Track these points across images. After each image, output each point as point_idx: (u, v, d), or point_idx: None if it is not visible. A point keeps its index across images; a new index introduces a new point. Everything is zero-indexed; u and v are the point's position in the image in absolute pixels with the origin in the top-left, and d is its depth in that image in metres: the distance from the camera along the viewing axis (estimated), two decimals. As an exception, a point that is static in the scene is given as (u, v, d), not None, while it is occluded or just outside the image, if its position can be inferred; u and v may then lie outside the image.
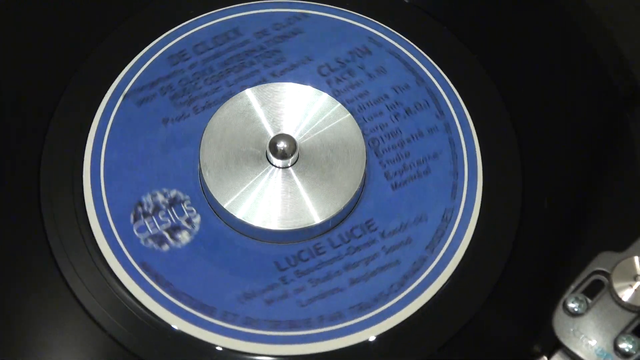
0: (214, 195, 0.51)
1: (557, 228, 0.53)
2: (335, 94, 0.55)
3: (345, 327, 0.50)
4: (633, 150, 0.53)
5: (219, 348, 0.49)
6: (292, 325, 0.50)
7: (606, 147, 0.55)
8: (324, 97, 0.54)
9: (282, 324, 0.50)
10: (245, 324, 0.50)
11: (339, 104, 0.54)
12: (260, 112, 0.53)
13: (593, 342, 0.46)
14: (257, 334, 0.50)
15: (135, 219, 0.52)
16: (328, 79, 0.56)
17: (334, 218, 0.51)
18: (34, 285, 0.50)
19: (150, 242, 0.51)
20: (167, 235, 0.52)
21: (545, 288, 0.51)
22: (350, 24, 0.57)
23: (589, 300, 0.47)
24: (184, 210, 0.52)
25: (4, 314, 0.50)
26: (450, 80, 0.56)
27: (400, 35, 0.57)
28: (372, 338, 0.50)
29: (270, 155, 0.52)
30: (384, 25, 0.57)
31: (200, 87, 0.55)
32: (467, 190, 0.53)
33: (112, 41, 0.56)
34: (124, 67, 0.56)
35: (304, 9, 0.58)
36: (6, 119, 0.55)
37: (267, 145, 0.52)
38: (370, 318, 0.50)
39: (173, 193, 0.53)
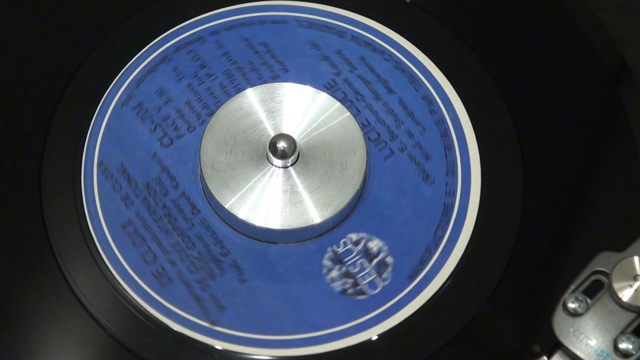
0: (215, 195, 0.51)
1: (557, 228, 0.53)
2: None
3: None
4: (633, 150, 0.53)
5: (218, 347, 0.49)
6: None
7: (606, 147, 0.55)
8: (324, 97, 0.54)
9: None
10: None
11: (339, 103, 0.54)
12: (260, 112, 0.53)
13: (593, 342, 0.46)
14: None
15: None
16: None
17: (334, 218, 0.51)
18: (35, 284, 0.50)
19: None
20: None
21: (545, 288, 0.51)
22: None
23: (589, 300, 0.47)
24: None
25: (4, 313, 0.50)
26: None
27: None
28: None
29: (271, 155, 0.52)
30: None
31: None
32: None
33: (106, 47, 0.57)
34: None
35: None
36: (6, 119, 0.55)
37: (267, 145, 0.52)
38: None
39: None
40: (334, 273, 0.51)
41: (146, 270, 0.51)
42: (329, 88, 0.55)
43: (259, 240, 0.52)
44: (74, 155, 0.53)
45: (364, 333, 0.50)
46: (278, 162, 0.52)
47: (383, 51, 0.56)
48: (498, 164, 0.54)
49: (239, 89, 0.55)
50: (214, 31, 0.57)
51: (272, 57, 0.56)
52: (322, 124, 0.53)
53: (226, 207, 0.51)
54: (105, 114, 0.54)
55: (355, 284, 0.51)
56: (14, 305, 0.50)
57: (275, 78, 0.55)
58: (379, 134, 0.54)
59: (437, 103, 0.55)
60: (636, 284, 0.47)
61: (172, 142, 0.54)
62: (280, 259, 0.51)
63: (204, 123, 0.54)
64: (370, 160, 0.53)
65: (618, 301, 0.47)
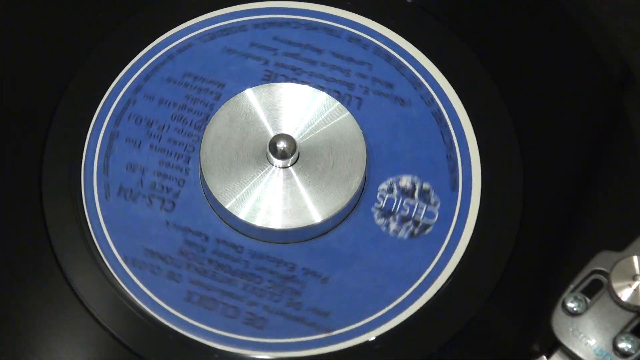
0: (215, 196, 0.51)
1: (556, 228, 0.53)
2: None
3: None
4: (633, 150, 0.53)
5: (219, 348, 0.50)
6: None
7: (606, 147, 0.55)
8: (323, 96, 0.54)
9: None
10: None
11: (338, 103, 0.54)
12: (260, 112, 0.53)
13: (592, 342, 0.46)
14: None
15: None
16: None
17: (335, 217, 0.52)
18: (35, 284, 0.51)
19: None
20: None
21: (545, 288, 0.51)
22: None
23: (588, 300, 0.47)
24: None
25: (5, 313, 0.50)
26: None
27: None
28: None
29: (271, 155, 0.52)
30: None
31: None
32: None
33: (108, 46, 0.57)
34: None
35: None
36: (7, 119, 0.55)
37: (267, 145, 0.52)
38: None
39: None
40: (393, 225, 0.52)
41: (237, 322, 0.50)
42: (268, 78, 0.55)
43: (259, 240, 0.52)
44: (74, 154, 0.54)
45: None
46: (278, 162, 0.52)
47: (289, 23, 0.57)
48: (498, 163, 0.54)
49: (197, 125, 0.54)
50: (137, 88, 0.56)
51: (202, 81, 0.56)
52: (321, 124, 0.53)
53: (226, 207, 0.51)
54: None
55: (416, 223, 0.52)
56: (15, 304, 0.50)
57: (218, 97, 0.55)
58: (338, 92, 0.55)
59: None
60: (635, 284, 0.47)
61: (174, 205, 0.53)
62: (341, 243, 0.51)
63: (189, 171, 0.53)
64: (351, 116, 0.54)
65: (617, 301, 0.47)
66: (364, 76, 0.56)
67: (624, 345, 0.46)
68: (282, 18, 0.57)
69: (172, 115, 0.55)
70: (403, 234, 0.52)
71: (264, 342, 0.50)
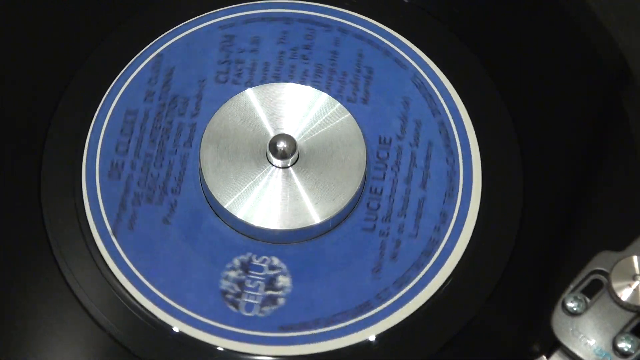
0: (214, 195, 0.51)
1: (556, 228, 0.53)
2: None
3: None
4: (632, 149, 0.53)
5: (220, 349, 0.49)
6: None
7: (605, 146, 0.55)
8: (324, 97, 0.54)
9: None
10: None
11: (339, 104, 0.54)
12: (260, 112, 0.53)
13: (592, 342, 0.46)
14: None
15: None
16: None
17: (334, 218, 0.51)
18: (34, 284, 0.51)
19: None
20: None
21: (545, 288, 0.51)
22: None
23: (588, 300, 0.47)
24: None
25: (4, 313, 0.50)
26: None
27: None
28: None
29: (270, 155, 0.52)
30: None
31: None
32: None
33: (104, 49, 0.57)
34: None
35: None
36: (7, 118, 0.55)
37: (267, 145, 0.52)
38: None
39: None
40: (232, 273, 0.51)
41: (109, 156, 0.53)
42: (381, 143, 0.54)
43: (259, 240, 0.52)
44: (74, 154, 0.54)
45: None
46: (278, 162, 0.52)
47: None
48: (498, 163, 0.54)
49: (315, 85, 0.55)
50: (343, 29, 0.57)
51: (366, 84, 0.56)
52: (322, 125, 0.53)
53: (225, 207, 0.51)
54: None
55: (238, 295, 0.51)
56: (14, 304, 0.50)
57: (351, 101, 0.55)
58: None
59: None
60: (635, 284, 0.47)
61: (226, 81, 0.55)
62: (210, 231, 0.52)
63: (263, 82, 0.55)
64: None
65: (617, 301, 0.47)
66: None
67: (623, 345, 0.46)
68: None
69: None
70: (224, 283, 0.51)
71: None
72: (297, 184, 0.52)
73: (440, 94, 0.55)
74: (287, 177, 0.52)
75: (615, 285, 0.47)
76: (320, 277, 0.51)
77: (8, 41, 0.57)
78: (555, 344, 0.47)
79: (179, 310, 0.50)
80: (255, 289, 0.51)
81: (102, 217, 0.52)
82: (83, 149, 0.54)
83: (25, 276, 0.51)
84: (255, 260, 0.51)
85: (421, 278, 0.51)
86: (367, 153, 0.53)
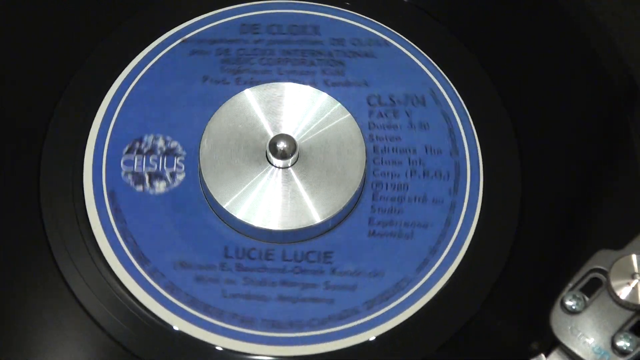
0: (214, 195, 0.51)
1: (555, 226, 0.53)
2: (370, 126, 0.54)
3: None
4: (632, 149, 0.53)
5: (219, 348, 0.49)
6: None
7: (605, 146, 0.55)
8: (324, 97, 0.54)
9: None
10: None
11: (339, 104, 0.54)
12: (260, 112, 0.53)
13: (591, 340, 0.46)
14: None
15: (128, 151, 0.53)
16: (371, 110, 0.55)
17: (334, 218, 0.51)
18: (34, 284, 0.51)
19: (130, 177, 0.53)
20: (147, 178, 0.53)
21: (544, 286, 0.51)
22: (422, 69, 0.56)
23: (587, 298, 0.47)
24: (174, 163, 0.53)
25: (4, 313, 0.50)
26: (450, 81, 0.56)
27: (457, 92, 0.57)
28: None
29: (270, 155, 0.52)
30: (449, 81, 0.56)
31: (254, 63, 0.56)
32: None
33: (115, 39, 0.57)
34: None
35: (387, 36, 0.57)
36: (7, 118, 0.55)
37: (267, 145, 0.52)
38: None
39: (174, 144, 0.53)
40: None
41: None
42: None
43: (259, 240, 0.52)
44: (74, 152, 0.54)
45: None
46: (278, 162, 0.52)
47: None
48: (497, 163, 0.54)
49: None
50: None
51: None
52: (322, 125, 0.53)
53: (225, 207, 0.51)
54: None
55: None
56: (14, 305, 0.50)
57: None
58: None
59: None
60: (634, 282, 0.47)
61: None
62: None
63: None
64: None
65: (616, 299, 0.47)
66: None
67: (622, 343, 0.46)
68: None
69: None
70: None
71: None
72: (297, 184, 0.52)
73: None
74: (287, 177, 0.52)
75: (614, 283, 0.47)
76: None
77: (8, 41, 0.57)
78: (554, 343, 0.47)
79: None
80: (146, 164, 0.53)
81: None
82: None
83: (25, 276, 0.51)
84: (178, 159, 0.53)
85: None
86: (366, 152, 0.53)
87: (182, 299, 0.50)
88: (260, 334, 0.50)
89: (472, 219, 0.52)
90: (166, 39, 0.56)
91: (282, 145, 0.52)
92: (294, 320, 0.50)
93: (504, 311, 0.50)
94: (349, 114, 0.53)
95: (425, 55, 0.56)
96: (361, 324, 0.50)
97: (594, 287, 0.47)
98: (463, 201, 0.53)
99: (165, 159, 0.53)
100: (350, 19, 0.57)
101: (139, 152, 0.53)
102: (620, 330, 0.46)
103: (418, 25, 0.57)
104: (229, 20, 0.57)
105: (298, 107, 0.54)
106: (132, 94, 0.55)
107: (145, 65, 0.56)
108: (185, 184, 0.53)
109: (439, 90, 0.55)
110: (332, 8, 0.58)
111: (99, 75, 0.56)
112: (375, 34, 0.57)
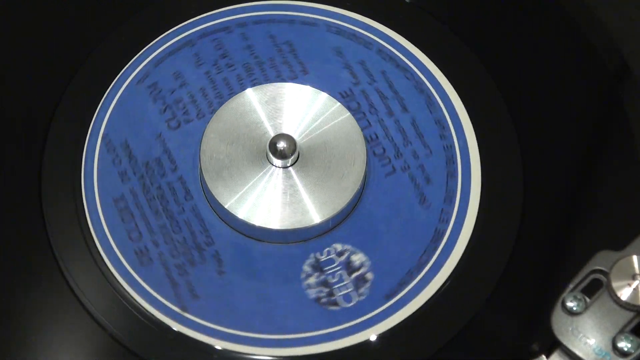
0: (214, 195, 0.51)
1: (556, 227, 0.53)
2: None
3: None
4: (632, 149, 0.53)
5: (217, 347, 0.49)
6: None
7: (605, 146, 0.55)
8: (324, 97, 0.54)
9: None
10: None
11: (339, 104, 0.54)
12: (260, 112, 0.53)
13: (591, 341, 0.46)
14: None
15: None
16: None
17: (334, 218, 0.51)
18: (35, 284, 0.51)
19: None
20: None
21: (545, 287, 0.51)
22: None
23: (588, 299, 0.47)
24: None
25: (5, 313, 0.50)
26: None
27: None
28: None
29: (270, 155, 0.52)
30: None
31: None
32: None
33: (104, 50, 0.57)
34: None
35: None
36: (7, 118, 0.55)
37: (267, 145, 0.52)
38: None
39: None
40: (312, 280, 0.51)
41: (129, 247, 0.51)
42: (345, 97, 0.55)
43: (260, 241, 0.52)
44: (74, 155, 0.54)
45: (362, 333, 0.50)
46: (278, 162, 0.52)
47: (405, 69, 0.56)
48: (497, 163, 0.54)
49: (255, 84, 0.55)
50: (241, 23, 0.57)
51: (295, 57, 0.56)
52: (322, 124, 0.53)
53: (226, 207, 0.51)
54: (120, 89, 0.55)
55: (331, 294, 0.51)
56: (15, 305, 0.50)
57: (293, 79, 0.55)
58: (384, 150, 0.54)
59: (449, 128, 0.55)
60: (635, 283, 0.47)
61: (179, 125, 0.54)
62: (262, 257, 0.51)
63: (214, 112, 0.54)
64: (370, 173, 0.53)
65: (617, 300, 0.47)
66: (416, 156, 0.54)
67: (623, 344, 0.46)
68: (403, 61, 0.56)
69: (246, 64, 0.56)
70: (312, 292, 0.51)
71: (134, 277, 0.51)
72: (297, 184, 0.52)
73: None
74: (287, 177, 0.52)
75: (614, 284, 0.47)
76: (385, 234, 0.52)
77: (8, 41, 0.57)
78: (554, 344, 0.47)
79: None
80: (341, 280, 0.51)
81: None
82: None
83: (26, 276, 0.51)
84: (321, 257, 0.51)
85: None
86: (367, 152, 0.53)
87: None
88: (373, 314, 0.50)
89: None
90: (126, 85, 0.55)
91: (282, 145, 0.52)
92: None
93: (504, 312, 0.50)
94: (349, 114, 0.53)
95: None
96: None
97: (595, 288, 0.47)
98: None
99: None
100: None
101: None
102: (621, 331, 0.46)
103: (418, 25, 0.57)
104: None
105: (298, 107, 0.53)
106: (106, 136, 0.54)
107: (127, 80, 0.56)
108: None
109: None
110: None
111: (99, 75, 0.56)
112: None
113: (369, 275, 0.51)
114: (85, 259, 0.51)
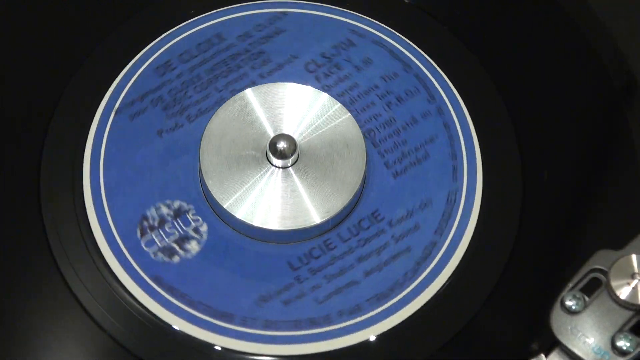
0: (214, 195, 0.51)
1: (555, 226, 0.53)
2: (325, 89, 0.55)
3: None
4: (631, 148, 0.53)
5: (217, 348, 0.49)
6: (313, 323, 0.50)
7: (605, 145, 0.55)
8: (324, 97, 0.54)
9: (302, 323, 0.50)
10: (265, 327, 0.50)
11: (339, 104, 0.54)
12: (260, 112, 0.53)
13: (590, 340, 0.46)
14: (276, 336, 0.50)
15: (142, 234, 0.52)
16: (316, 75, 0.56)
17: (334, 218, 0.51)
18: (35, 286, 0.51)
19: (160, 255, 0.51)
20: (176, 246, 0.52)
21: (544, 287, 0.51)
22: (330, 18, 0.57)
23: (587, 298, 0.47)
24: (190, 219, 0.52)
25: (5, 314, 0.50)
26: (443, 70, 0.56)
27: (383, 25, 0.57)
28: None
29: (270, 155, 0.52)
30: (365, 16, 0.57)
31: (190, 95, 0.55)
32: (468, 172, 0.53)
33: (98, 57, 0.56)
34: (112, 82, 0.55)
35: (283, 7, 0.58)
36: (7, 118, 0.55)
37: (267, 145, 0.52)
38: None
39: (177, 204, 0.52)
40: (165, 209, 0.52)
41: (160, 284, 0.51)
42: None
43: (260, 241, 0.52)
44: (73, 166, 0.54)
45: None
46: (278, 162, 0.52)
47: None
48: (497, 163, 0.54)
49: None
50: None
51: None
52: (322, 125, 0.53)
53: (225, 206, 0.51)
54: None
55: (151, 228, 0.52)
56: (15, 305, 0.50)
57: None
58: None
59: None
60: (634, 282, 0.47)
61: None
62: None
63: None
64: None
65: (616, 299, 0.47)
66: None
67: (622, 343, 0.46)
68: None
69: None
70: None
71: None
72: (297, 184, 0.52)
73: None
74: (287, 177, 0.52)
75: (614, 283, 0.47)
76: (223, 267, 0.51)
77: (8, 41, 0.57)
78: (554, 343, 0.47)
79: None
80: (167, 235, 0.51)
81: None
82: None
83: (25, 276, 0.51)
84: (190, 214, 0.52)
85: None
86: (366, 153, 0.53)
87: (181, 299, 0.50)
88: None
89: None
90: (100, 116, 0.55)
91: (282, 145, 0.52)
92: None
93: (504, 311, 0.50)
94: (349, 114, 0.53)
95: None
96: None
97: (594, 287, 0.47)
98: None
99: (179, 221, 0.53)
100: (242, 11, 0.58)
101: (152, 228, 0.52)
102: (620, 330, 0.46)
103: (418, 25, 0.57)
104: (143, 71, 0.56)
105: (298, 107, 0.54)
106: (108, 185, 0.53)
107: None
108: (212, 230, 0.52)
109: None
110: (223, 10, 0.58)
111: (99, 75, 0.56)
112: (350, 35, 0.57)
113: (175, 259, 0.51)
114: (85, 259, 0.51)
